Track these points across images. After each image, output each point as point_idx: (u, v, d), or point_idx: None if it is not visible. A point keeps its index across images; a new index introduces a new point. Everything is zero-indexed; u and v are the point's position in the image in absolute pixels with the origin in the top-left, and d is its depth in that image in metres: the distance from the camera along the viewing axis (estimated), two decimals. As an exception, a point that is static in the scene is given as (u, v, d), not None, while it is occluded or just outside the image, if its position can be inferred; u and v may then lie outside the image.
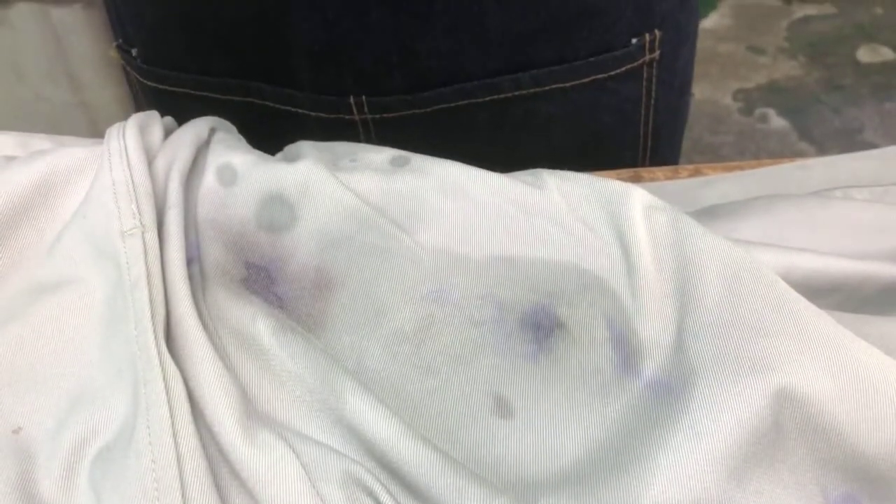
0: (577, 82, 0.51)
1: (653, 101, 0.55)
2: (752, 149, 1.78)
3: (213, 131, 0.37)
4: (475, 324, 0.31)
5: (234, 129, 0.40)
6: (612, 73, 0.52)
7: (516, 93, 0.50)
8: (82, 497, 0.27)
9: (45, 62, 1.13)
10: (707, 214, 0.37)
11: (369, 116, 0.51)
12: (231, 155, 0.35)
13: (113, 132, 0.35)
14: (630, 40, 0.51)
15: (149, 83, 0.55)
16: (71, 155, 0.35)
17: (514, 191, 0.33)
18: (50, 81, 1.15)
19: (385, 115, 0.50)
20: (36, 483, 0.28)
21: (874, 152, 0.46)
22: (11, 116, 1.18)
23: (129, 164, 0.33)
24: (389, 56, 0.48)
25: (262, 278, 0.33)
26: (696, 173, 0.47)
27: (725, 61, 1.97)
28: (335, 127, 0.51)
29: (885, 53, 1.99)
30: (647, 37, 0.52)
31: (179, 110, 0.39)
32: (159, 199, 0.33)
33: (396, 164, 0.35)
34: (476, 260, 0.33)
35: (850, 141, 1.74)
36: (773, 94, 1.92)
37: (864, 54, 2.00)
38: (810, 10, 2.15)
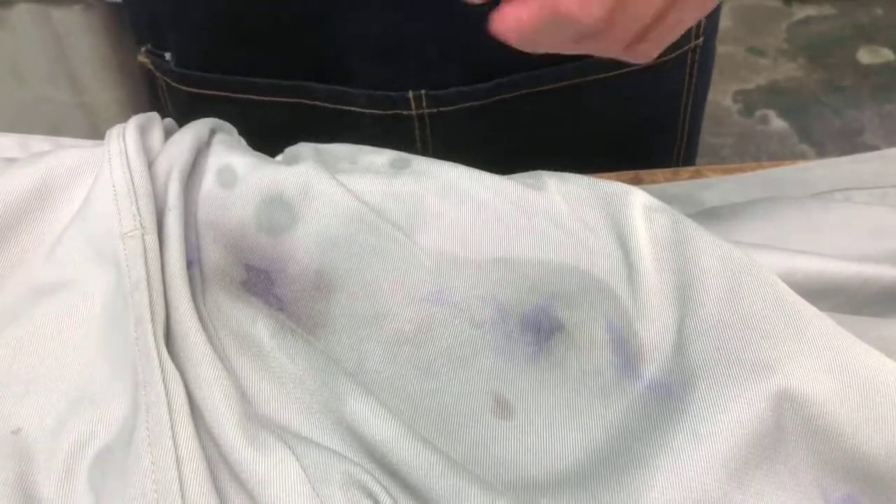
0: (626, 70, 0.51)
1: (693, 88, 0.56)
2: (752, 150, 1.78)
3: (213, 133, 0.37)
4: (475, 325, 0.31)
5: (234, 130, 0.40)
6: (662, 59, 0.52)
7: (568, 83, 0.50)
8: (81, 498, 0.27)
9: (45, 63, 1.13)
10: (707, 216, 0.37)
11: (426, 111, 0.50)
12: (231, 156, 0.35)
13: (113, 134, 0.35)
14: None
15: (183, 87, 0.55)
16: (71, 157, 0.35)
17: (513, 192, 0.33)
18: (50, 83, 1.15)
19: (442, 109, 0.50)
20: (35, 484, 0.28)
21: (874, 154, 0.46)
22: (11, 118, 1.18)
23: (129, 166, 0.33)
24: (452, 48, 0.47)
25: (261, 280, 0.33)
26: (697, 175, 0.48)
27: (725, 63, 1.97)
28: (389, 123, 0.51)
29: (886, 54, 1.99)
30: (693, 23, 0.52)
31: (215, 115, 0.39)
32: (159, 201, 0.33)
33: (396, 166, 0.35)
34: (476, 261, 0.33)
35: (851, 142, 1.74)
36: (774, 95, 1.92)
37: (865, 55, 2.00)
38: (810, 11, 2.14)
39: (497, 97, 0.50)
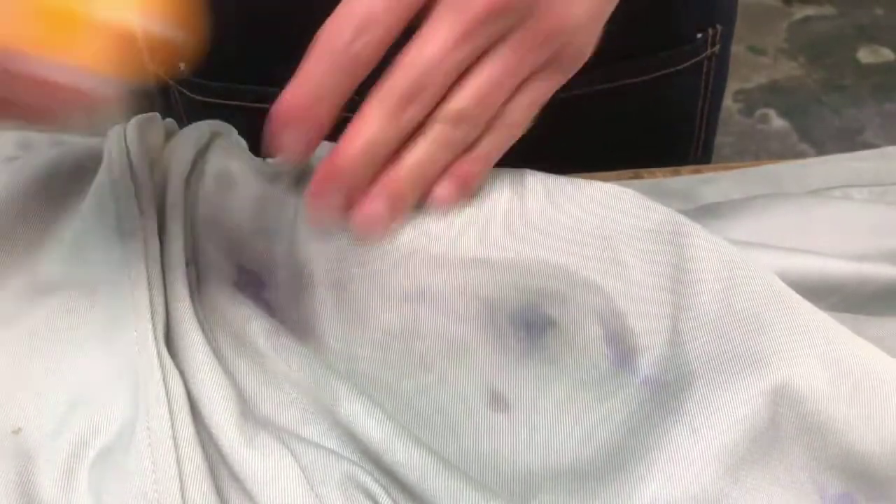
0: (645, 77, 0.51)
1: (709, 94, 0.57)
2: (752, 149, 1.78)
3: (213, 136, 0.37)
4: (463, 320, 0.31)
5: (234, 131, 0.40)
6: (679, 67, 0.53)
7: (586, 90, 0.49)
8: (82, 499, 0.27)
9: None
10: (705, 213, 0.37)
11: None
12: (230, 160, 0.35)
13: (114, 133, 0.35)
14: (696, 35, 0.53)
15: (196, 97, 0.54)
16: (72, 156, 0.36)
17: (494, 193, 0.33)
18: (50, 83, 1.15)
19: None
20: (35, 484, 0.28)
21: (873, 152, 0.46)
22: (12, 118, 1.18)
23: (130, 166, 0.33)
24: None
25: (253, 283, 0.33)
26: (696, 174, 0.48)
27: (726, 62, 1.97)
28: None
29: (886, 54, 1.99)
30: (710, 31, 0.53)
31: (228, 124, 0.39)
32: (160, 201, 0.33)
33: None
34: (454, 259, 0.32)
35: (851, 142, 1.74)
36: (774, 94, 1.92)
37: (865, 55, 2.00)
38: (810, 10, 2.14)
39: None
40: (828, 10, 2.14)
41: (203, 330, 0.30)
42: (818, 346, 0.27)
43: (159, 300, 0.30)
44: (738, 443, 0.27)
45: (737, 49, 2.01)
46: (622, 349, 0.30)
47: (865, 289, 0.32)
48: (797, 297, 0.29)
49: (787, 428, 0.27)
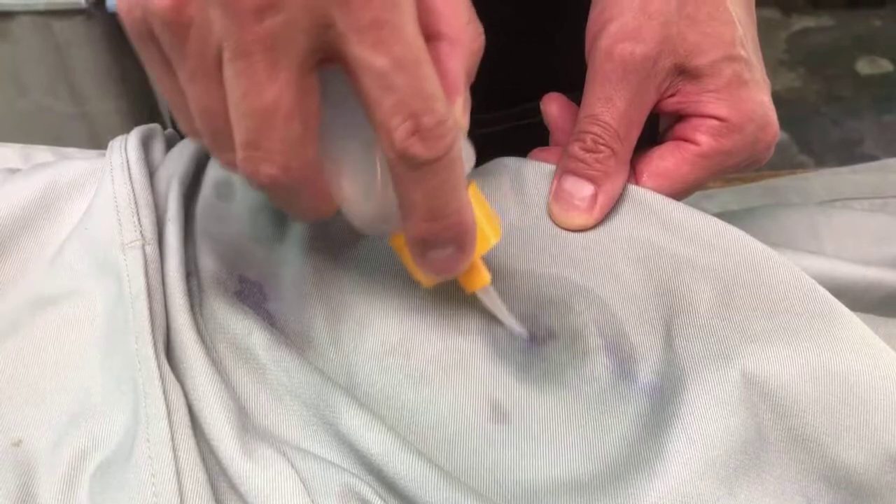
0: None
1: None
2: (751, 160, 1.78)
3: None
4: (462, 332, 0.31)
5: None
6: None
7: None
8: (82, 510, 0.27)
9: (46, 74, 1.13)
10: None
11: None
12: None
13: (115, 145, 0.35)
14: None
15: None
16: (73, 168, 0.36)
17: (496, 206, 0.32)
18: (51, 93, 1.15)
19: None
20: (36, 496, 0.28)
21: (874, 164, 0.46)
22: (13, 128, 1.18)
23: (130, 177, 0.33)
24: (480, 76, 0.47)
25: (254, 293, 0.33)
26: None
27: (725, 73, 1.97)
28: None
29: (884, 65, 2.00)
30: None
31: None
32: (160, 212, 0.33)
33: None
34: None
35: (850, 152, 1.74)
36: (773, 105, 1.92)
37: (863, 66, 2.00)
38: (809, 22, 2.15)
39: (511, 124, 0.50)
40: (827, 21, 2.15)
41: (203, 342, 0.30)
42: (806, 354, 0.27)
43: (159, 312, 0.30)
44: (731, 453, 0.26)
45: (736, 60, 2.01)
46: (621, 359, 0.30)
47: (872, 294, 0.32)
48: (793, 297, 0.29)
49: (773, 439, 0.27)
